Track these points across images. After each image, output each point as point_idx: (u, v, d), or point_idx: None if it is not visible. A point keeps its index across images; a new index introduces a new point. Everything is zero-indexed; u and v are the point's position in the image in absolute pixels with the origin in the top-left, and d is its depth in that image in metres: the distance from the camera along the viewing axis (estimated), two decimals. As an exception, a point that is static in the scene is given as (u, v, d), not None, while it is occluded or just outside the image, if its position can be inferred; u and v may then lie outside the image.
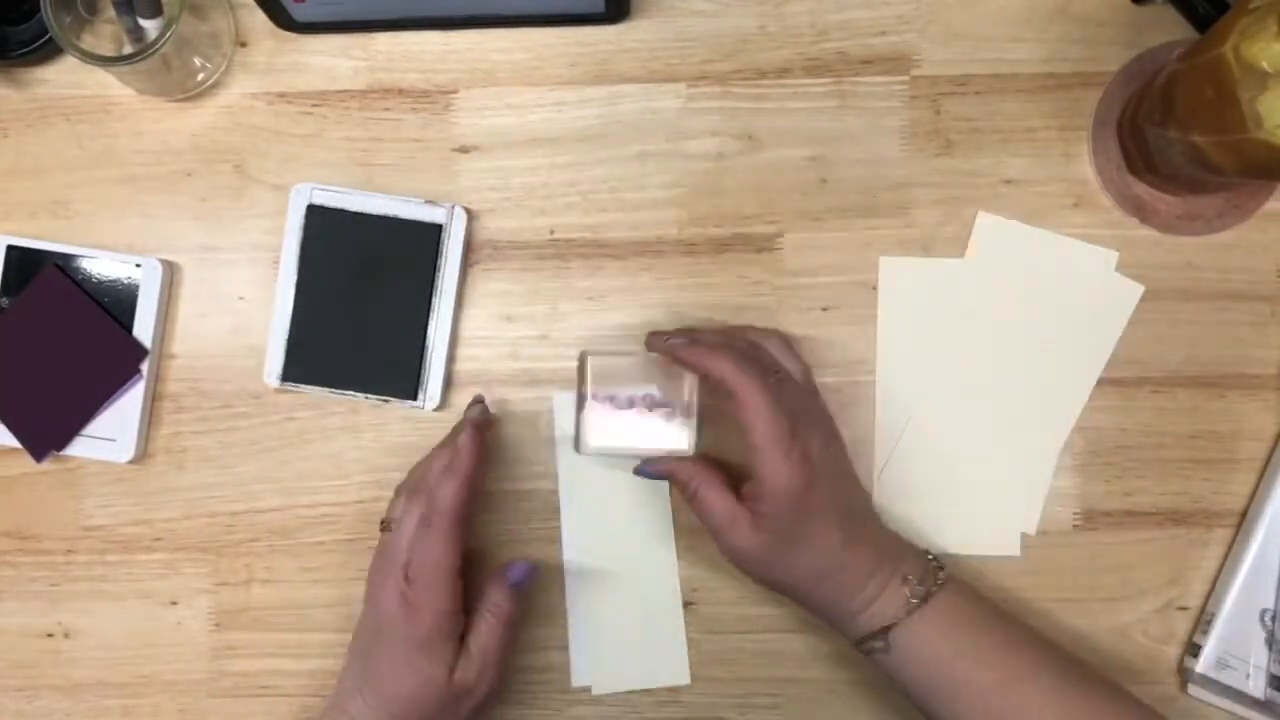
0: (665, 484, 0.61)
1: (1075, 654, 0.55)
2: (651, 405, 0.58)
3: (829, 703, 0.62)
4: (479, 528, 0.62)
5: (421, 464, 0.58)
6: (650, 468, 0.58)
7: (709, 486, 0.55)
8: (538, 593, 0.62)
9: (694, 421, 0.58)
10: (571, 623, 0.62)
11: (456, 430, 0.57)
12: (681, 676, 0.62)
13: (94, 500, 0.63)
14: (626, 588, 0.62)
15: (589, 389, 0.58)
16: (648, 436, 0.58)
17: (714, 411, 0.59)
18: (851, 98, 0.62)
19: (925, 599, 0.53)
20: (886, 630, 0.53)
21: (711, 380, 0.54)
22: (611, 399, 0.58)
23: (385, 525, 0.56)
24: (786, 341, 0.58)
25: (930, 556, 0.56)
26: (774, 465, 0.52)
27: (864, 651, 0.55)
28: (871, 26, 0.62)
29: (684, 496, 0.56)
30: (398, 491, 0.57)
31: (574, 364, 0.61)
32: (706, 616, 0.62)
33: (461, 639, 0.55)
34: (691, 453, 0.58)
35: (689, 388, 0.58)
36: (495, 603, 0.56)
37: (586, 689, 0.62)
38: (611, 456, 0.60)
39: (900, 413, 0.62)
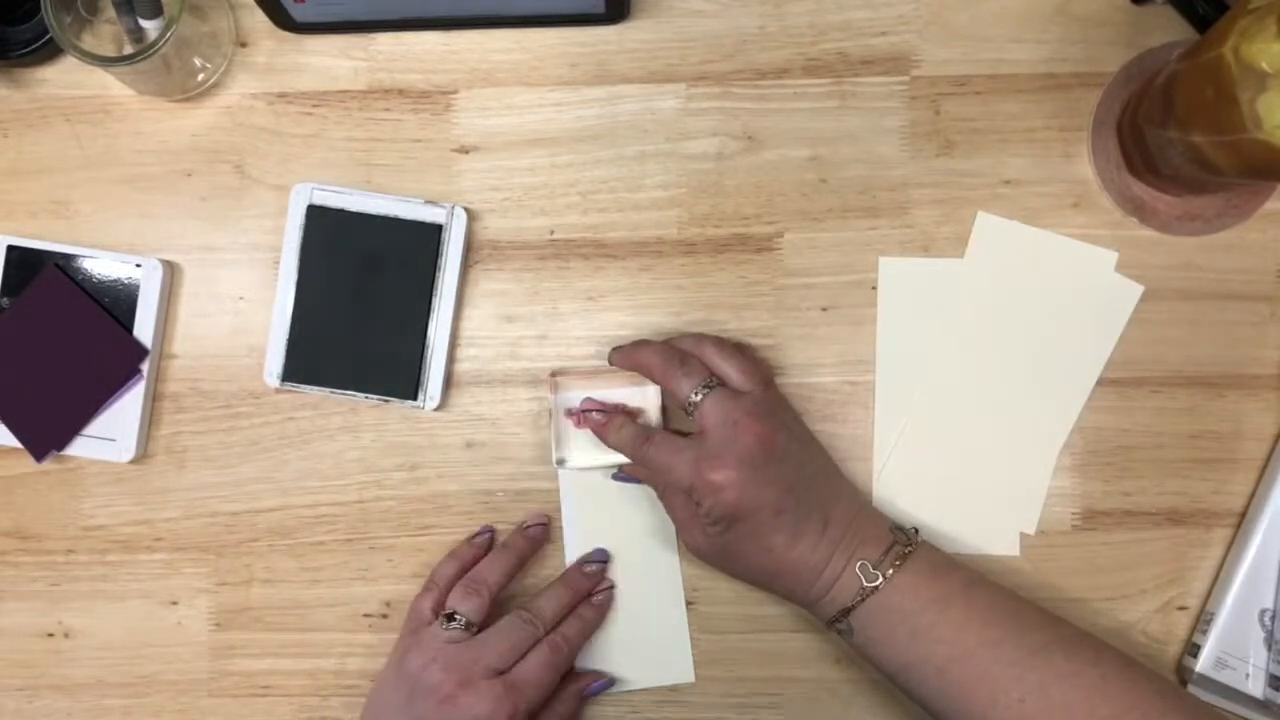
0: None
1: (1057, 618, 0.54)
2: (626, 411, 0.60)
3: (829, 703, 0.62)
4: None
5: (490, 564, 0.59)
6: (625, 474, 0.60)
7: (671, 490, 0.57)
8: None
9: (661, 428, 0.60)
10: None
11: (520, 535, 0.61)
12: (686, 675, 0.62)
13: (94, 500, 0.63)
14: (629, 587, 0.62)
15: (562, 406, 0.60)
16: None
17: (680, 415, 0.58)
18: (851, 98, 0.62)
19: (881, 581, 0.53)
20: (845, 614, 0.54)
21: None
22: (584, 413, 0.60)
23: (454, 618, 0.56)
24: (722, 345, 0.58)
25: (897, 533, 0.56)
26: (699, 486, 0.54)
27: (834, 633, 0.56)
28: (871, 26, 0.62)
29: (657, 495, 0.59)
30: (469, 589, 0.57)
31: (574, 364, 0.62)
32: (706, 616, 0.62)
33: None
34: None
35: (654, 396, 0.60)
36: (569, 709, 0.59)
37: (586, 689, 0.62)
38: (589, 468, 0.61)
39: (900, 413, 0.62)
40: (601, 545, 0.62)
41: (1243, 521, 0.61)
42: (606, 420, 0.59)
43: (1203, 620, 0.61)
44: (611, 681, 0.61)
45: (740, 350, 0.59)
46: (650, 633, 0.62)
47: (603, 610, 0.61)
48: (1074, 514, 0.62)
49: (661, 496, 0.58)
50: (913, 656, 0.53)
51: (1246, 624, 0.59)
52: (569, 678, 0.60)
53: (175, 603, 0.63)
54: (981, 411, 0.62)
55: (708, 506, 0.54)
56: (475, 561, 0.60)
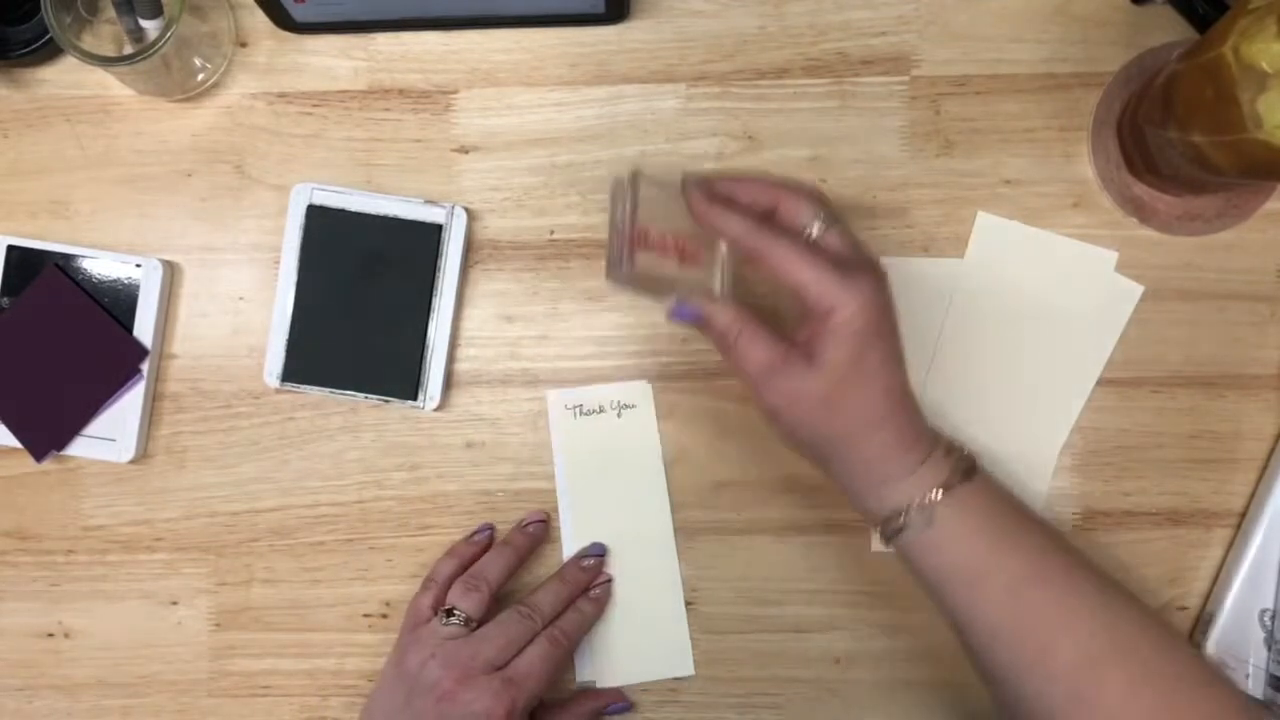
0: (663, 482, 0.61)
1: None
2: (683, 251, 0.51)
3: (829, 703, 0.62)
4: (479, 528, 0.62)
5: (491, 560, 0.59)
6: (686, 308, 0.51)
7: (752, 332, 0.49)
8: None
9: (727, 269, 0.52)
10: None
11: (519, 532, 0.61)
12: (685, 668, 0.62)
13: (94, 500, 0.63)
14: (628, 582, 0.62)
15: (630, 217, 0.51)
16: (681, 275, 0.52)
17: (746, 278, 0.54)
18: (851, 98, 0.62)
19: (964, 478, 0.49)
20: (925, 504, 0.49)
21: (730, 241, 0.51)
22: (645, 234, 0.51)
23: (452, 613, 0.56)
24: (821, 196, 0.52)
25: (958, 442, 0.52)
26: (833, 293, 0.47)
27: (891, 531, 0.50)
28: (871, 26, 0.62)
29: (721, 347, 0.51)
30: (469, 586, 0.57)
31: (575, 365, 0.62)
32: (706, 616, 0.62)
33: None
34: (721, 296, 0.52)
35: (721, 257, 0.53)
36: None
37: (591, 684, 0.62)
38: (642, 291, 0.54)
39: (900, 413, 0.62)
40: (599, 541, 0.62)
41: (1243, 521, 0.61)
42: (711, 205, 0.50)
43: (1203, 620, 0.61)
44: (630, 705, 0.61)
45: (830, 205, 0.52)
46: (649, 627, 0.62)
47: (601, 604, 0.60)
48: (1074, 514, 0.62)
49: (734, 346, 0.50)
50: (987, 566, 0.48)
51: (1246, 624, 0.59)
52: (588, 696, 0.60)
53: (175, 603, 0.63)
54: (982, 411, 0.62)
55: (849, 314, 0.47)
56: (474, 559, 0.60)
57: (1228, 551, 0.62)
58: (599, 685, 0.62)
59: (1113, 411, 0.62)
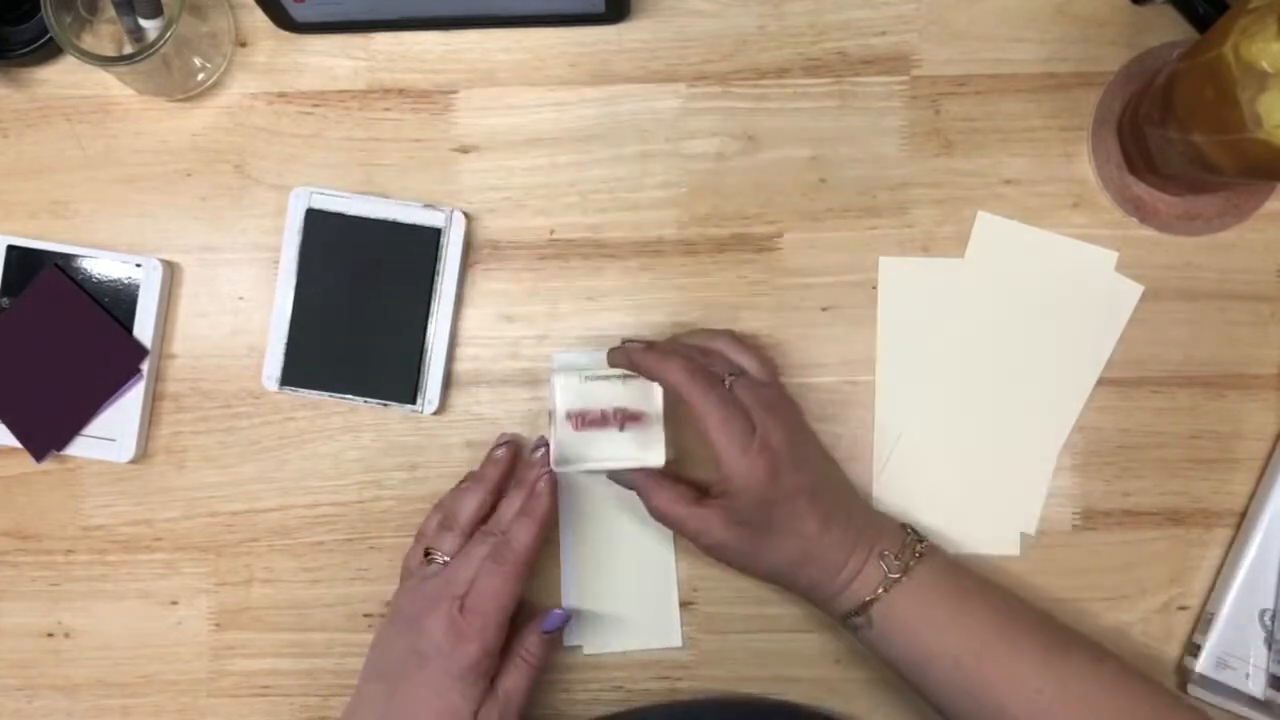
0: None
1: (1066, 624, 0.55)
2: (623, 419, 0.58)
3: (830, 702, 0.62)
4: (479, 528, 0.62)
5: (459, 497, 0.59)
6: (620, 480, 0.59)
7: (669, 500, 0.56)
8: (535, 578, 0.62)
9: (663, 432, 0.58)
10: (564, 594, 0.62)
11: (489, 464, 0.60)
12: (673, 639, 0.61)
13: (94, 500, 0.63)
14: (621, 556, 0.62)
15: (561, 409, 0.58)
16: (620, 451, 0.58)
17: (685, 417, 0.57)
18: (851, 98, 0.62)
19: (902, 574, 0.54)
20: (867, 606, 0.54)
21: (666, 387, 0.56)
22: (584, 415, 0.58)
23: (429, 555, 0.57)
24: (738, 339, 0.58)
25: (910, 531, 0.56)
26: (735, 463, 0.53)
27: (849, 629, 0.56)
28: (871, 26, 0.62)
29: (647, 506, 0.57)
30: (443, 525, 0.58)
31: (572, 356, 0.62)
32: (707, 616, 0.62)
33: (490, 681, 0.56)
34: (662, 463, 0.57)
35: (657, 398, 0.58)
36: (528, 649, 0.57)
37: (578, 649, 0.62)
38: (588, 473, 0.60)
39: (900, 413, 0.62)
40: (597, 537, 0.62)
41: (1243, 521, 0.61)
42: (649, 349, 0.56)
43: (1203, 620, 0.61)
44: (568, 616, 0.59)
45: (755, 345, 0.59)
46: (640, 602, 0.62)
47: (542, 499, 0.57)
48: (1074, 514, 0.62)
49: (653, 512, 0.57)
50: (933, 650, 0.53)
51: (1246, 624, 0.59)
52: (529, 620, 0.58)
53: (175, 603, 0.63)
54: (982, 411, 0.62)
55: (745, 484, 0.53)
56: None
57: (1228, 551, 0.62)
58: (585, 651, 0.62)
59: (1113, 411, 0.62)
